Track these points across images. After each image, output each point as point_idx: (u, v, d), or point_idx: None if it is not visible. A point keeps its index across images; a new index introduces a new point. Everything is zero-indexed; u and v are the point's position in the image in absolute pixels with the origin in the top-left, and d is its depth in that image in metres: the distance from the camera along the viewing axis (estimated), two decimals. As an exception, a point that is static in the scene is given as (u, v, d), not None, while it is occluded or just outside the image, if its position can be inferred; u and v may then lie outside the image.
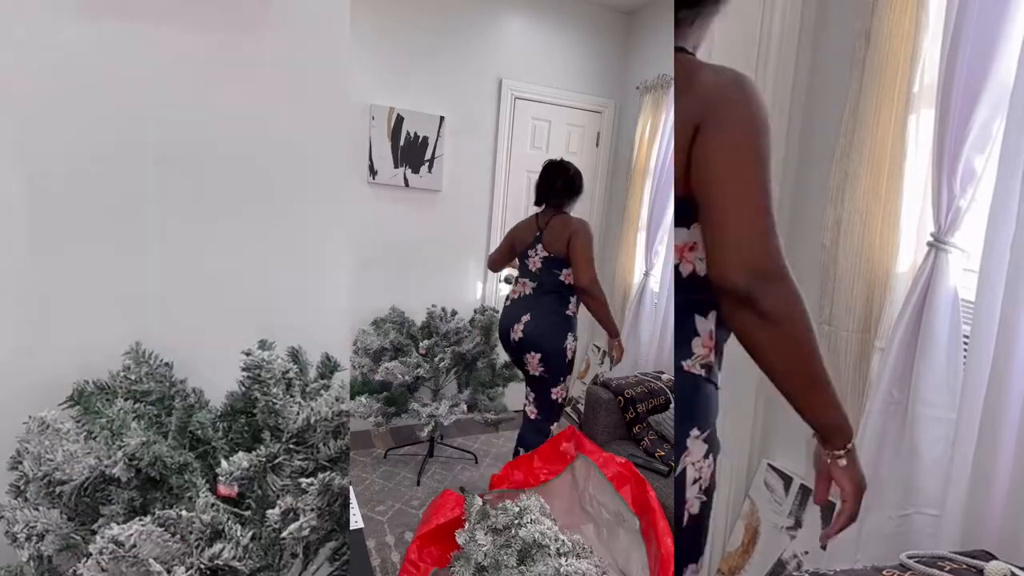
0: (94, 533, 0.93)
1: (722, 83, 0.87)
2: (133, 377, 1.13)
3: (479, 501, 1.63)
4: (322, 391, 1.21)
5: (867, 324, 1.42)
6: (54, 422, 0.97)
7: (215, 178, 1.43)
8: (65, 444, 0.94)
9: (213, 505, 0.91)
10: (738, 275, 0.81)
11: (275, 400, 1.09)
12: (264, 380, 1.10)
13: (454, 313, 3.08)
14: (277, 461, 1.04)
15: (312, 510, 0.98)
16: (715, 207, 0.82)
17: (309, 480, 1.00)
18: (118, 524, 0.83)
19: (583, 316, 3.90)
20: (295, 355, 1.23)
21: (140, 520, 0.84)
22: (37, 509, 0.93)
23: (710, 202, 0.83)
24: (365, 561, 2.01)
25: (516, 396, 3.38)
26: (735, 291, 0.81)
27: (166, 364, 1.19)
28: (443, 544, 2.01)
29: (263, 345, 1.19)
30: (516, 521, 1.46)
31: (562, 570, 1.33)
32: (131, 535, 0.81)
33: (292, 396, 1.15)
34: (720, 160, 0.82)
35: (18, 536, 0.92)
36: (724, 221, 0.82)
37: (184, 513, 0.86)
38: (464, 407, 2.74)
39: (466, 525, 1.58)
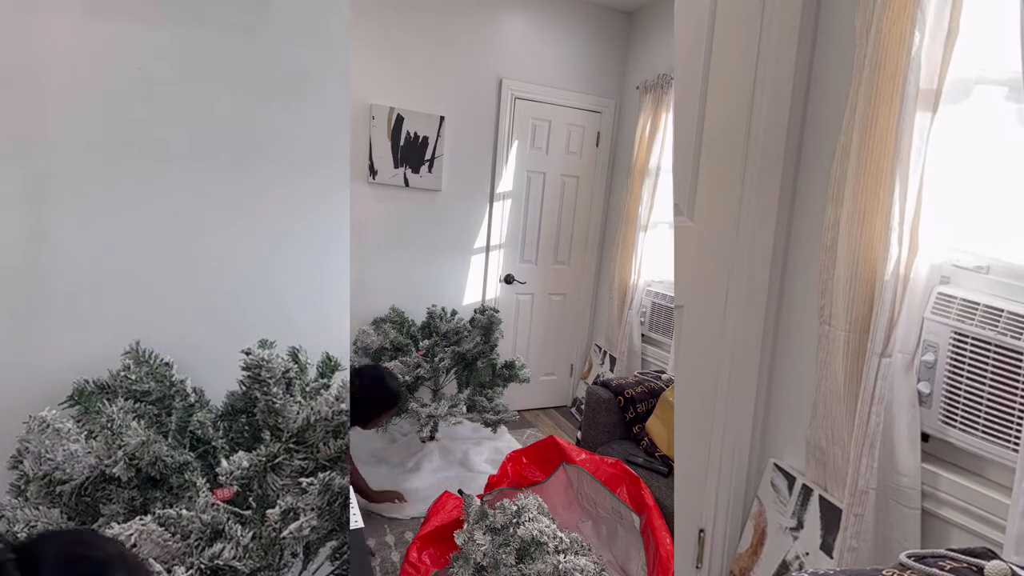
0: (98, 529, 0.93)
1: None
2: (133, 377, 1.13)
3: (477, 502, 1.63)
4: (322, 391, 1.21)
5: (866, 325, 1.42)
6: (54, 421, 0.97)
7: (216, 177, 1.43)
8: (66, 444, 0.94)
9: (213, 505, 0.91)
10: None
11: (275, 399, 1.09)
12: (264, 379, 1.10)
13: (454, 313, 3.08)
14: (277, 461, 1.04)
15: (312, 510, 0.98)
16: None
17: (309, 480, 1.00)
18: (118, 523, 0.83)
19: (589, 319, 3.92)
20: (295, 355, 1.23)
21: (140, 519, 0.84)
22: (37, 508, 0.93)
23: None
24: (365, 561, 2.01)
25: (515, 396, 3.39)
26: None
27: (166, 364, 1.19)
28: (443, 545, 2.02)
29: (263, 344, 1.19)
30: (514, 520, 1.46)
31: (560, 567, 1.34)
32: (131, 534, 0.81)
33: (292, 396, 1.15)
34: None
35: (19, 535, 0.92)
36: None
37: (184, 512, 0.86)
38: (463, 407, 2.74)
39: (464, 526, 1.58)
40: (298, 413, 1.11)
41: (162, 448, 0.94)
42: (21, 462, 1.00)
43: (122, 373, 1.15)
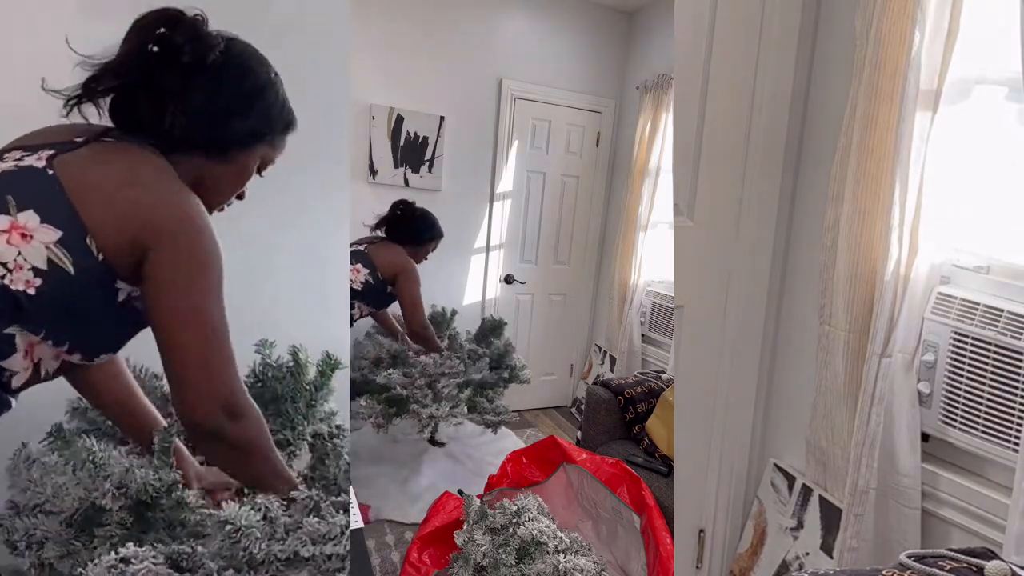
0: (96, 547, 0.92)
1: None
2: None
3: (477, 502, 1.63)
4: (326, 399, 1.21)
5: (865, 325, 1.42)
6: (39, 455, 0.96)
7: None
8: (53, 477, 0.92)
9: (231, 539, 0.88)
10: (206, 414, 0.83)
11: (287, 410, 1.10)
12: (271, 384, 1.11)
13: (454, 313, 3.07)
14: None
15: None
16: (176, 345, 0.83)
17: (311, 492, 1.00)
18: (120, 548, 0.81)
19: (589, 319, 3.91)
20: (295, 354, 1.23)
21: (151, 549, 0.82)
22: (36, 517, 0.92)
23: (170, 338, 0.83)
24: (365, 561, 2.01)
25: (515, 396, 3.39)
26: (205, 428, 0.84)
27: (155, 376, 1.17)
28: (443, 545, 2.02)
29: (263, 344, 1.20)
30: (514, 520, 1.46)
31: (560, 567, 1.34)
32: (139, 570, 0.79)
33: (296, 405, 1.15)
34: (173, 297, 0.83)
35: (18, 544, 0.91)
36: (186, 360, 0.83)
37: (200, 549, 0.85)
38: (464, 408, 2.74)
39: (464, 526, 1.58)
40: (305, 424, 1.13)
41: (148, 473, 0.93)
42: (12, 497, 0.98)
43: None
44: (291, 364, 1.19)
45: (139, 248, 0.81)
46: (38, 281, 0.76)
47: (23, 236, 0.76)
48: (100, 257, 0.79)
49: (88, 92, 0.88)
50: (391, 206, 2.64)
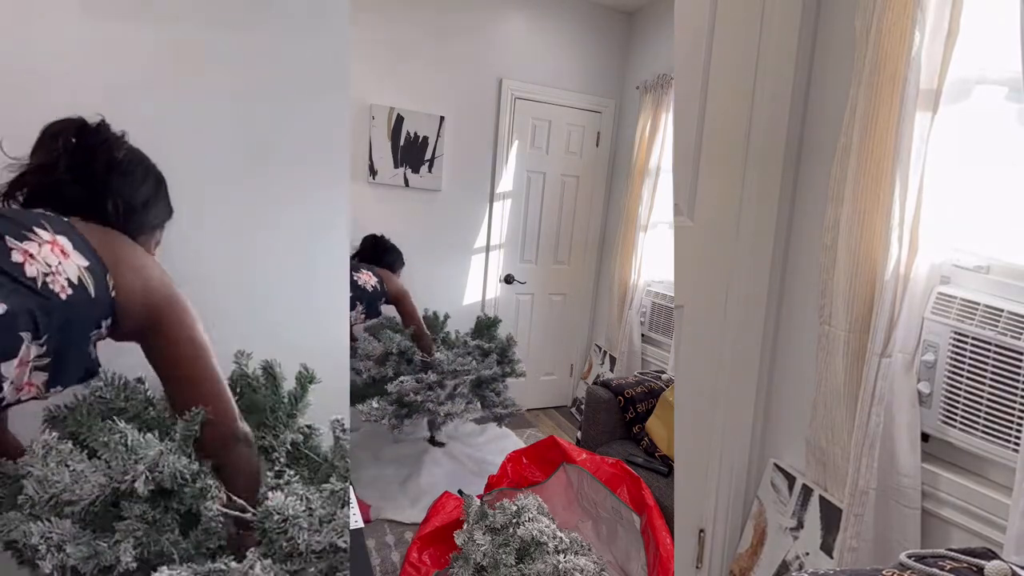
0: (118, 543, 0.92)
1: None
2: (108, 396, 1.10)
3: (477, 502, 1.63)
4: (303, 412, 1.21)
5: (865, 325, 1.42)
6: (56, 444, 0.95)
7: (212, 177, 1.43)
8: (72, 464, 0.92)
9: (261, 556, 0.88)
10: (235, 421, 1.04)
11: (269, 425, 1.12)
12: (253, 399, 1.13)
13: (447, 317, 3.07)
14: (282, 480, 1.03)
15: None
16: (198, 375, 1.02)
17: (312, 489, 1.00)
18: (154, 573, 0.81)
19: (589, 319, 3.91)
20: (268, 368, 1.23)
21: (187, 568, 0.82)
22: (50, 520, 0.91)
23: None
24: (365, 561, 2.01)
25: (515, 396, 3.38)
26: (239, 433, 1.04)
27: (138, 380, 1.15)
28: (443, 545, 2.02)
29: (240, 354, 1.21)
30: (514, 520, 1.46)
31: (560, 567, 1.34)
32: None
33: (276, 415, 1.16)
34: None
35: (39, 548, 0.89)
36: (208, 382, 1.02)
37: (234, 564, 0.85)
38: (478, 404, 2.74)
39: (464, 526, 1.58)
40: (286, 434, 1.13)
41: (180, 459, 0.93)
42: (23, 488, 0.96)
43: (95, 394, 1.10)
44: (262, 378, 1.20)
45: (153, 311, 0.97)
46: (70, 291, 0.84)
47: (63, 252, 0.86)
48: (112, 294, 0.90)
49: (14, 189, 0.99)
50: (364, 240, 2.95)
